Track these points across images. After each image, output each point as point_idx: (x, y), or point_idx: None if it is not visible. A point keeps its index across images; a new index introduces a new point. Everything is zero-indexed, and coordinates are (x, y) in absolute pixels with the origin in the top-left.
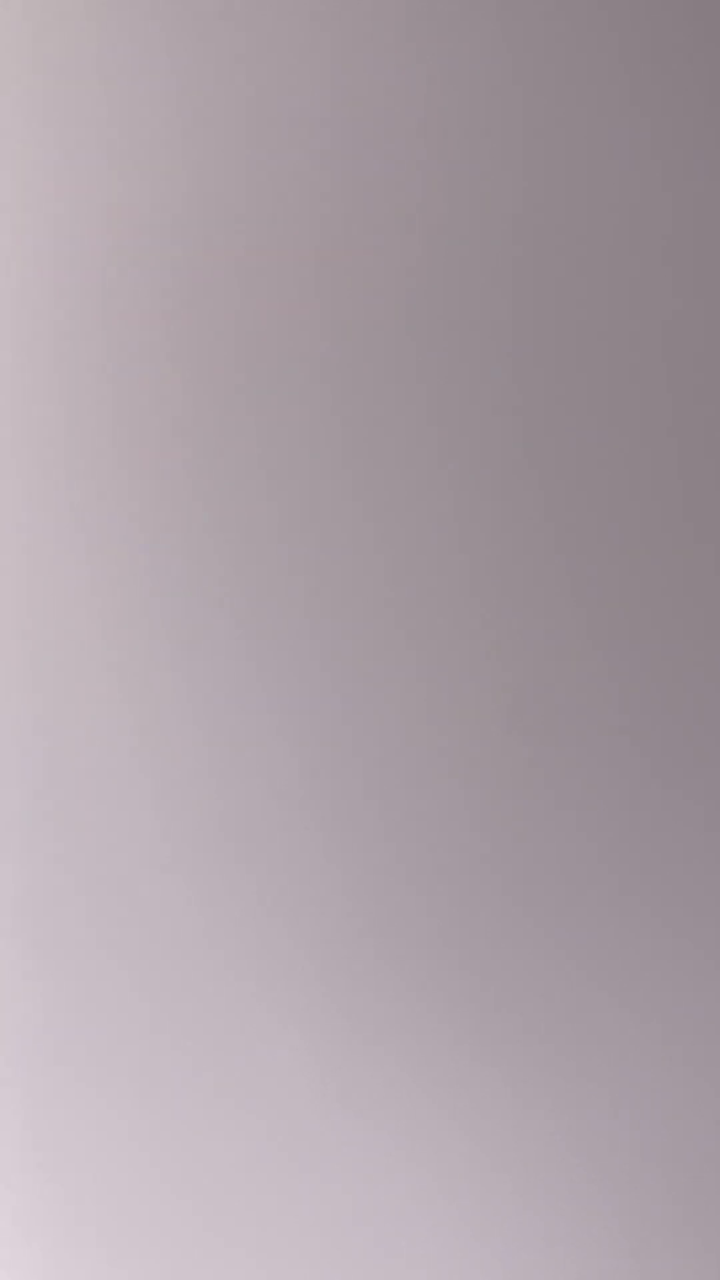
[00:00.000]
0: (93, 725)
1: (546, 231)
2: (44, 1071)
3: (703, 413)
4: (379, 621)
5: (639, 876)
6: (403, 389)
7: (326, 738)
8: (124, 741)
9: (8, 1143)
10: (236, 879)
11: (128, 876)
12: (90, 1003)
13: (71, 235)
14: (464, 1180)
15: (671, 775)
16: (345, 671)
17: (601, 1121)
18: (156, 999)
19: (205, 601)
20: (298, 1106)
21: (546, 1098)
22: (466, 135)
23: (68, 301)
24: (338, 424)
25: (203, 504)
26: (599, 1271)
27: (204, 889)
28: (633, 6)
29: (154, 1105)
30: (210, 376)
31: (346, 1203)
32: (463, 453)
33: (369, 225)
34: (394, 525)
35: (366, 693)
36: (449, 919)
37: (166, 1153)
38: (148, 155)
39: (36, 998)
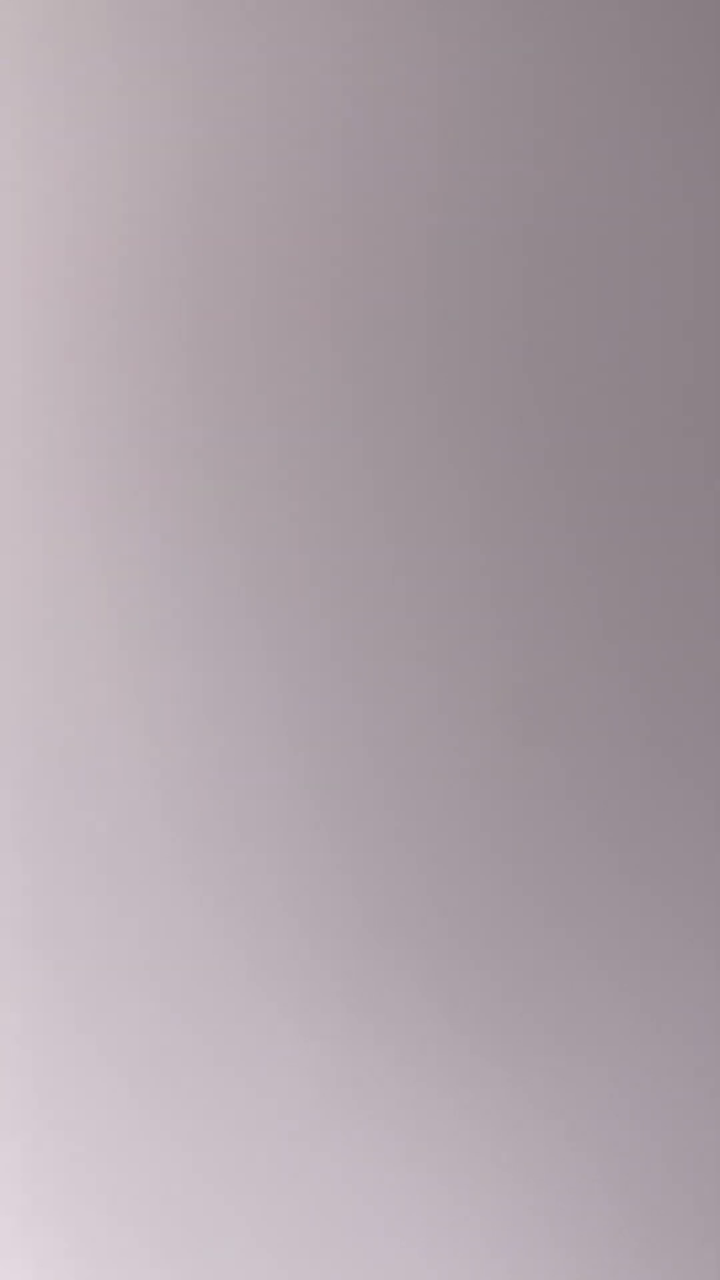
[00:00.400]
0: (95, 723)
1: (555, 223)
2: (45, 1070)
3: (706, 411)
4: (383, 618)
5: (640, 869)
6: (411, 385)
7: (329, 732)
8: (127, 739)
9: (9, 1143)
10: (238, 873)
11: (129, 871)
12: (91, 1000)
13: (78, 224)
14: (465, 1173)
15: (674, 769)
16: (348, 667)
17: (604, 1114)
18: (158, 991)
19: (208, 598)
20: (299, 1099)
21: (548, 1091)
22: (474, 129)
23: (76, 293)
24: (346, 421)
25: (208, 499)
26: (599, 1268)
27: (206, 884)
28: (634, 4)
29: (155, 1097)
30: (218, 372)
31: (347, 1195)
32: (470, 451)
33: (377, 220)
34: (400, 521)
35: (369, 686)
36: (450, 912)
37: (168, 1144)
38: (154, 151)
39: (38, 1000)
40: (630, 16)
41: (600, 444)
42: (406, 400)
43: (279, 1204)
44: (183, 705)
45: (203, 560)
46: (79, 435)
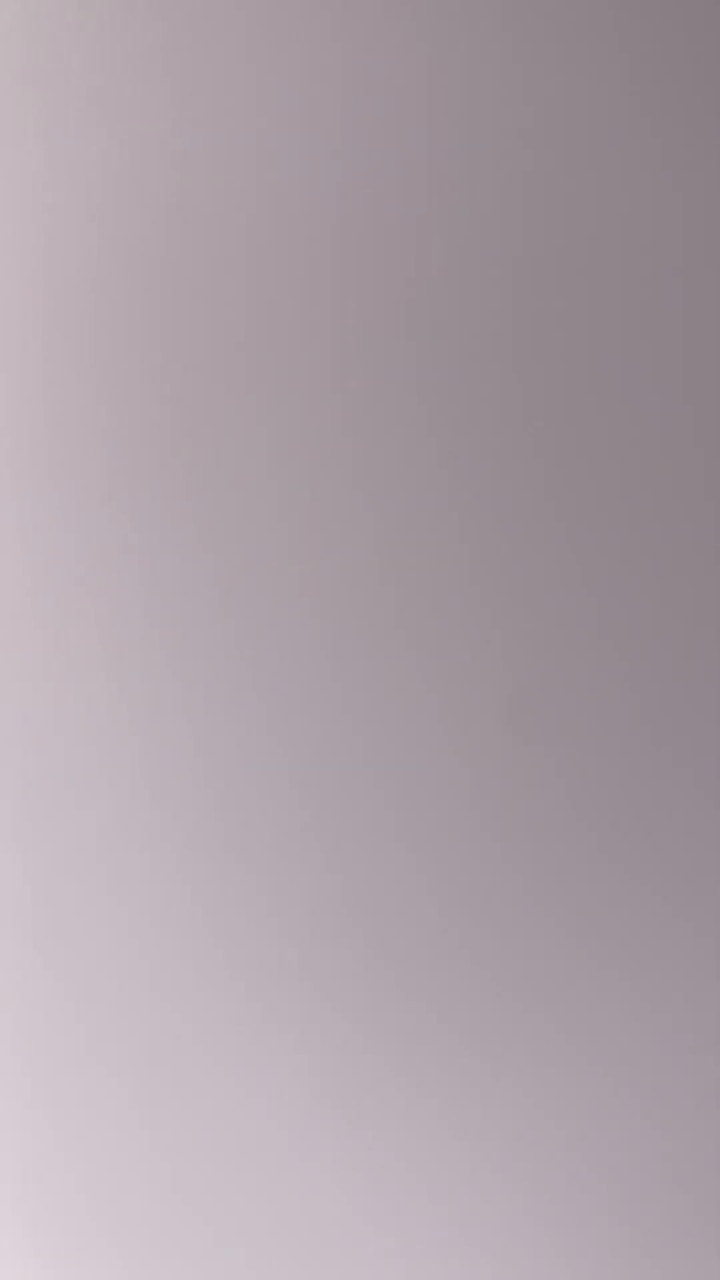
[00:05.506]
0: (91, 731)
1: (549, 227)
2: (42, 1081)
3: (704, 410)
4: (377, 622)
5: (643, 877)
6: (404, 398)
7: (324, 737)
8: (122, 747)
9: (8, 1150)
10: (237, 885)
11: (127, 882)
12: (87, 1011)
13: (66, 237)
14: (463, 1182)
15: (671, 768)
16: (343, 671)
17: (602, 1124)
18: (154, 1003)
19: (202, 603)
20: (298, 1110)
21: (547, 1100)
22: (468, 134)
23: (62, 303)
24: (336, 426)
25: (199, 506)
26: (599, 1271)
27: (201, 892)
28: (632, 3)
29: (152, 1107)
30: (206, 378)
31: (347, 1208)
32: (464, 454)
33: (369, 227)
34: (394, 526)
35: (364, 690)
36: (450, 920)
37: (164, 1155)
38: (144, 159)
39: (35, 1009)
40: (626, 21)
41: (595, 447)
42: (399, 408)
43: (277, 1217)
44: (179, 713)
45: (198, 567)
46: (73, 442)
